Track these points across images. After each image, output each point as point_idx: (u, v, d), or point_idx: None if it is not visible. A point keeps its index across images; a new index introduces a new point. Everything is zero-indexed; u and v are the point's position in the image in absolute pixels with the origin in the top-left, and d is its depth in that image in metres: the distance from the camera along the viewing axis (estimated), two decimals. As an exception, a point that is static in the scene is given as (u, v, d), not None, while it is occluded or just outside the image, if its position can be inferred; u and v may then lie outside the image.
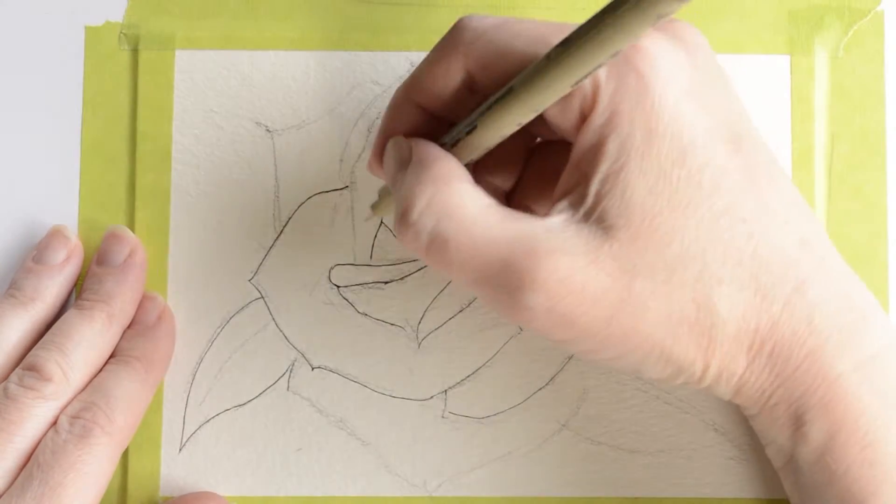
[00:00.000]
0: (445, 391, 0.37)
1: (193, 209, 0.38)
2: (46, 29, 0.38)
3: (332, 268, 0.38)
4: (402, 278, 0.37)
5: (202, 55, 0.38)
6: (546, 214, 0.29)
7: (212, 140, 0.38)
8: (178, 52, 0.38)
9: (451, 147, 0.30)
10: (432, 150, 0.30)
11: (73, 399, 0.34)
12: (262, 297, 0.37)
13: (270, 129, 0.38)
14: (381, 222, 0.38)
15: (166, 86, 0.38)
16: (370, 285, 0.37)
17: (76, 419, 0.33)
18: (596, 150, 0.28)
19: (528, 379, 0.37)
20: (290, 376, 0.37)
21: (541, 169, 0.34)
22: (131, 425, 0.34)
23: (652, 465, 0.37)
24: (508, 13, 0.38)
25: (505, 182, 0.34)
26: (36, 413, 0.33)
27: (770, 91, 0.37)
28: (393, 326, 0.37)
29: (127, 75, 0.38)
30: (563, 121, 0.29)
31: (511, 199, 0.34)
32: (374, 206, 0.34)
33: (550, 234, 0.28)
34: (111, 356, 0.36)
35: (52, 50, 0.38)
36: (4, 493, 0.32)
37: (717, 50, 0.31)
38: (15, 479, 0.32)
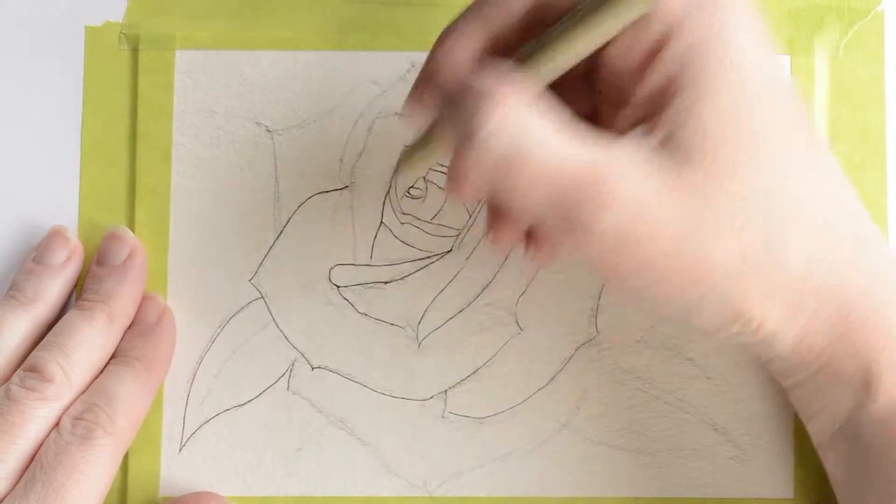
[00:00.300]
0: (445, 391, 0.37)
1: (193, 209, 0.38)
2: (46, 29, 0.38)
3: (332, 268, 0.38)
4: (402, 278, 0.37)
5: (202, 55, 0.38)
6: (619, 139, 0.28)
7: (212, 140, 0.38)
8: (178, 52, 0.38)
9: (519, 69, 0.29)
10: (500, 72, 0.29)
11: (74, 400, 0.34)
12: (262, 297, 0.37)
13: (270, 129, 0.38)
14: (381, 222, 0.38)
15: (166, 86, 0.38)
16: (370, 285, 0.37)
17: (78, 420, 0.33)
18: (669, 82, 0.28)
19: (528, 379, 0.37)
20: (290, 376, 0.37)
21: (613, 96, 0.32)
22: (133, 426, 0.34)
23: (652, 465, 0.37)
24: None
25: (577, 108, 0.32)
26: (38, 414, 0.33)
27: (770, 91, 0.38)
28: (393, 326, 0.37)
29: (127, 75, 0.38)
30: (630, 54, 0.29)
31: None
32: (411, 152, 0.33)
33: (626, 158, 0.28)
34: (112, 357, 0.36)
35: (52, 50, 0.38)
36: (7, 495, 0.32)
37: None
38: (18, 480, 0.32)
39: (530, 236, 0.33)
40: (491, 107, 0.27)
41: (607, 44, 0.28)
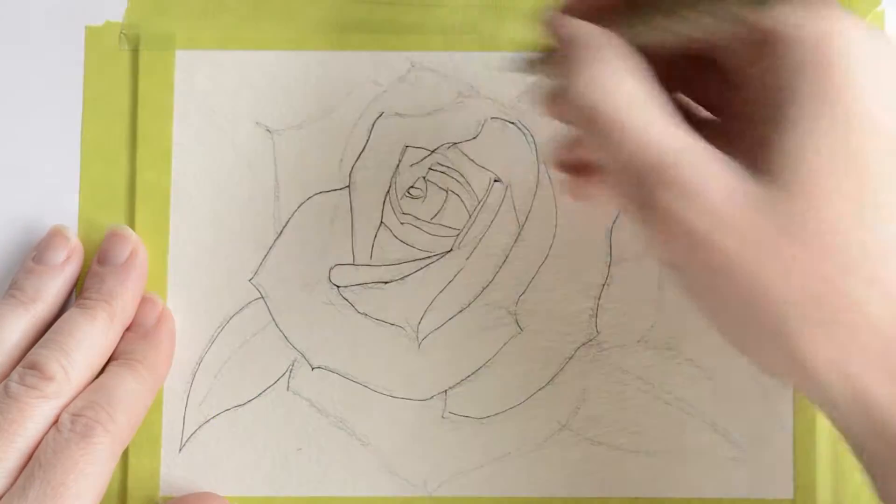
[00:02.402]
0: (445, 391, 0.37)
1: (193, 209, 0.38)
2: (46, 29, 0.38)
3: (332, 268, 0.38)
4: (402, 278, 0.37)
5: (202, 55, 0.38)
6: (710, 132, 0.28)
7: (212, 140, 0.38)
8: (178, 52, 0.38)
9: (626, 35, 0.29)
10: (604, 34, 0.28)
11: (74, 398, 0.34)
12: (262, 297, 0.37)
13: (270, 129, 0.38)
14: (381, 222, 0.38)
15: (166, 86, 0.38)
16: (370, 285, 0.37)
17: (78, 417, 0.33)
18: (777, 97, 0.27)
19: (528, 379, 0.37)
20: (290, 376, 0.37)
21: (715, 89, 0.31)
22: (133, 425, 0.34)
23: (652, 465, 0.37)
24: (509, 12, 0.38)
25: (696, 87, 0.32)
26: (37, 412, 0.33)
27: (770, 91, 0.37)
28: (393, 326, 0.37)
29: (127, 75, 0.38)
30: (745, 52, 0.28)
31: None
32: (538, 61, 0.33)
33: (717, 160, 0.26)
34: (112, 358, 0.36)
35: (52, 50, 0.38)
36: (6, 493, 0.32)
37: (717, 50, 0.31)
38: (16, 478, 0.32)
39: (584, 169, 0.33)
40: (592, 57, 0.27)
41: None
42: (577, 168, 0.35)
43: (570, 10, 0.30)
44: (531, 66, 0.32)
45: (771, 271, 0.26)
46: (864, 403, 0.26)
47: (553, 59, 0.30)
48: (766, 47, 0.27)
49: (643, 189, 0.27)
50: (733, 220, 0.26)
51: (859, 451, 0.27)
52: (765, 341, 0.27)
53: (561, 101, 0.29)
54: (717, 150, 0.27)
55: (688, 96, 0.32)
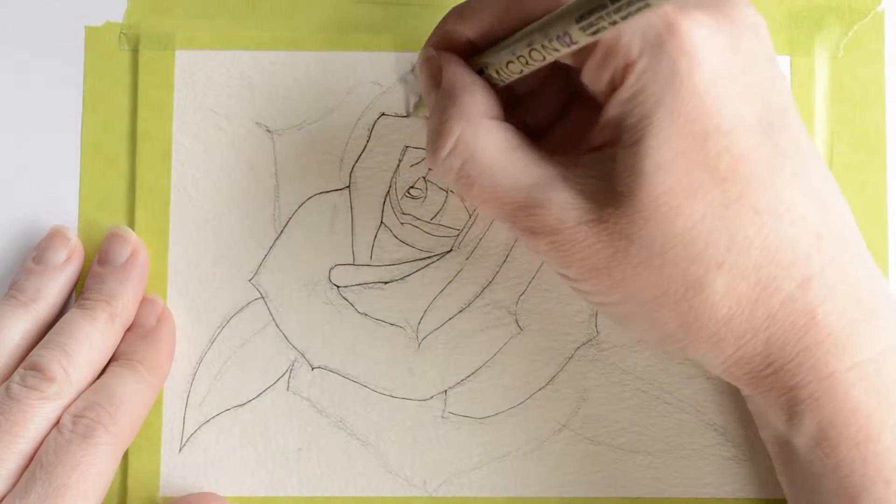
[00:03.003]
0: (445, 391, 0.37)
1: (193, 209, 0.38)
2: (46, 29, 0.38)
3: (332, 268, 0.38)
4: (402, 278, 0.37)
5: (202, 55, 0.38)
6: (570, 163, 0.30)
7: (212, 140, 0.38)
8: (178, 52, 0.38)
9: (485, 68, 0.31)
10: (462, 78, 0.31)
11: (75, 399, 0.34)
12: (262, 297, 0.37)
13: (270, 129, 0.38)
14: (381, 222, 0.38)
15: (166, 86, 0.38)
16: (370, 285, 0.37)
17: (79, 418, 0.33)
18: (619, 122, 0.29)
19: (528, 379, 0.37)
20: (290, 376, 0.37)
21: (578, 117, 0.34)
22: (134, 426, 0.34)
23: (652, 465, 0.37)
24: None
25: (538, 120, 0.34)
26: (39, 413, 0.33)
27: (770, 91, 0.37)
28: (393, 326, 0.37)
29: (127, 75, 0.38)
30: (595, 84, 0.30)
31: (544, 137, 0.34)
32: (416, 107, 0.37)
33: (566, 185, 0.30)
34: (112, 359, 0.36)
35: (52, 50, 0.38)
36: (7, 494, 0.32)
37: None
38: (18, 479, 0.32)
39: None
40: (448, 126, 0.30)
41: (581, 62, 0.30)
42: None
43: (439, 45, 0.32)
44: (413, 109, 0.37)
45: (624, 276, 0.30)
46: (716, 363, 0.31)
47: (427, 104, 0.33)
48: (615, 65, 0.29)
49: (514, 229, 0.31)
50: (585, 242, 0.29)
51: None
52: (633, 324, 0.31)
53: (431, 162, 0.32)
54: (573, 176, 0.30)
55: (559, 121, 0.34)
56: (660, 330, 0.30)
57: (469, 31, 0.32)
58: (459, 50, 0.32)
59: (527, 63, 0.30)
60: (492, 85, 0.31)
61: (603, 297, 0.31)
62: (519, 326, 0.37)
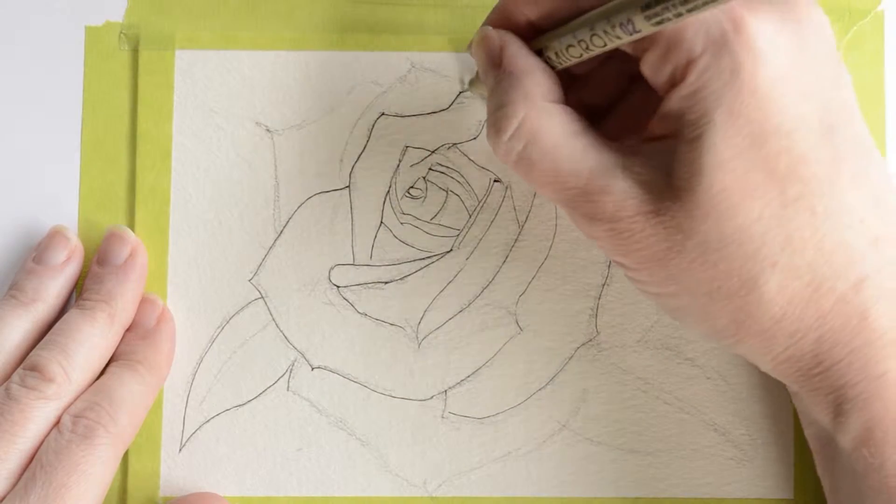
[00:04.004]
0: (445, 391, 0.37)
1: (193, 209, 0.38)
2: (46, 29, 0.38)
3: (332, 268, 0.38)
4: (402, 278, 0.37)
5: (202, 55, 0.38)
6: (629, 151, 0.30)
7: (212, 140, 0.38)
8: (178, 52, 0.38)
9: (545, 50, 0.31)
10: (525, 59, 0.31)
11: (75, 399, 0.34)
12: (262, 297, 0.37)
13: (270, 129, 0.38)
14: (381, 222, 0.38)
15: (166, 86, 0.38)
16: (370, 285, 0.37)
17: (79, 419, 0.33)
18: (679, 115, 0.29)
19: (528, 379, 0.37)
20: (290, 376, 0.37)
21: (636, 101, 0.34)
22: (134, 426, 0.34)
23: (652, 465, 0.37)
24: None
25: (596, 102, 0.34)
26: (38, 413, 0.33)
27: (770, 91, 0.37)
28: (393, 326, 0.37)
29: (127, 75, 0.38)
30: (655, 77, 0.30)
31: (601, 120, 0.34)
32: (472, 83, 0.37)
33: (626, 174, 0.30)
34: (112, 360, 0.36)
35: (52, 50, 0.38)
36: (7, 494, 0.32)
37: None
38: (18, 480, 0.32)
39: None
40: (511, 108, 0.30)
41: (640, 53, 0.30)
42: None
43: (497, 24, 0.32)
44: (468, 85, 0.37)
45: (684, 266, 0.30)
46: (766, 359, 0.31)
47: (485, 82, 0.33)
48: (677, 61, 0.29)
49: (572, 214, 0.31)
50: (643, 233, 0.29)
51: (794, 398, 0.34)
52: (687, 315, 0.31)
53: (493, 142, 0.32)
54: (636, 164, 0.30)
55: (619, 106, 0.34)
56: (712, 324, 0.30)
57: (530, 12, 0.32)
58: (519, 30, 0.32)
59: (587, 48, 0.29)
60: (550, 67, 0.31)
61: (657, 289, 0.31)
62: (519, 326, 0.37)
